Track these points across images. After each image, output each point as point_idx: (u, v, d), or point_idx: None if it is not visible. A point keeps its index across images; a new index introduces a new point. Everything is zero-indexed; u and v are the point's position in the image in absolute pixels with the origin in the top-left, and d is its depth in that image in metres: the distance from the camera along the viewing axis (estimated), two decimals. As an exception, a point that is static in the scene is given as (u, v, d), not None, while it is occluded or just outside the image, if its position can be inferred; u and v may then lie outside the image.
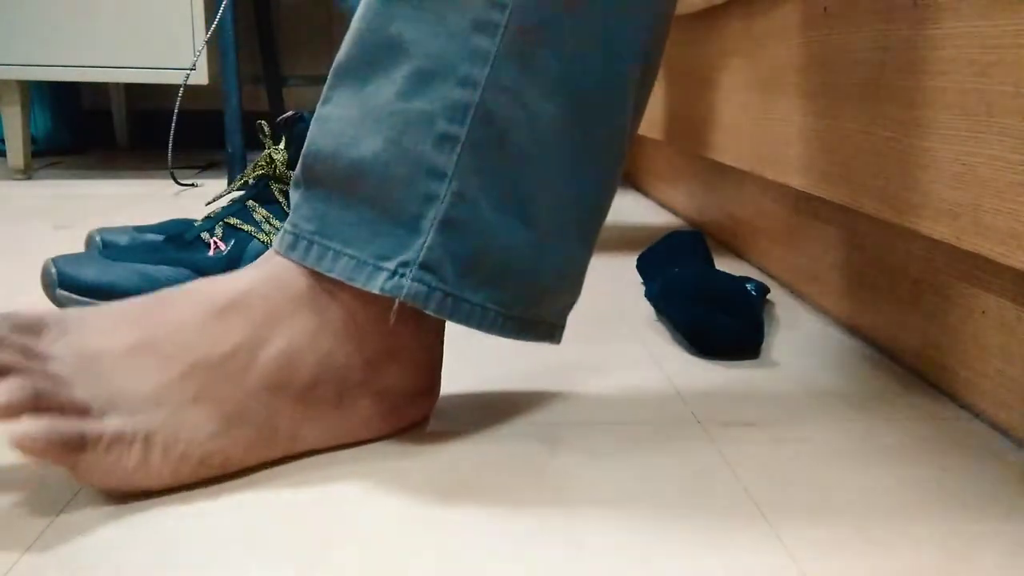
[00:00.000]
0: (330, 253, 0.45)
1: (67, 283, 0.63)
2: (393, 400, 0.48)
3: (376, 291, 0.44)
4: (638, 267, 0.82)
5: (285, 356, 0.44)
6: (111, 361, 0.41)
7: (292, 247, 0.46)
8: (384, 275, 0.44)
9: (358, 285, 0.44)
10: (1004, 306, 0.51)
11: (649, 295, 0.72)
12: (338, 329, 0.45)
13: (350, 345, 0.46)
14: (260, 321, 0.44)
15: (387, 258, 0.44)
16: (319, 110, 0.47)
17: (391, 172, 0.44)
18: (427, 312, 0.45)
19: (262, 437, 0.44)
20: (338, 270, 0.44)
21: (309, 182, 0.46)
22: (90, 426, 0.39)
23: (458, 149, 0.44)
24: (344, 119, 0.45)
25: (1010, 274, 0.51)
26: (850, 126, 0.63)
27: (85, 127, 2.26)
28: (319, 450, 0.46)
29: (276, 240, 0.47)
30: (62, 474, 0.43)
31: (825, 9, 0.68)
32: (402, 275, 0.44)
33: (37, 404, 0.38)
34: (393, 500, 0.42)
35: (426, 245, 0.44)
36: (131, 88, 2.26)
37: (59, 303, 0.64)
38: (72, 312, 0.43)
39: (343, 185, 0.45)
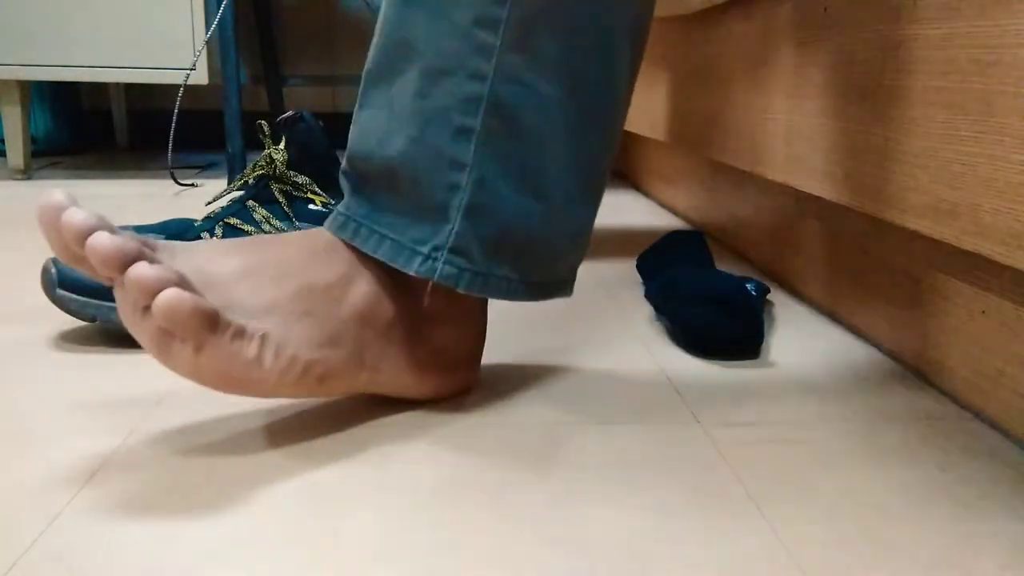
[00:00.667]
0: (375, 236, 0.50)
1: (67, 283, 0.63)
2: (446, 361, 0.53)
3: (412, 273, 0.49)
4: (638, 267, 0.82)
5: (370, 295, 0.49)
6: (225, 278, 0.45)
7: (342, 228, 0.51)
8: (419, 259, 0.49)
9: (398, 266, 0.49)
10: (1004, 306, 0.51)
11: (649, 295, 0.72)
12: (394, 288, 0.51)
13: (410, 301, 0.51)
14: (351, 263, 0.50)
15: (422, 243, 0.49)
16: (356, 114, 0.52)
17: (417, 167, 0.49)
18: (458, 291, 0.49)
19: (352, 362, 0.48)
20: (381, 252, 0.49)
21: (353, 177, 0.52)
22: (222, 312, 0.43)
23: (474, 139, 0.48)
24: (375, 121, 0.50)
25: (1010, 274, 0.51)
26: (850, 126, 0.63)
27: (85, 127, 2.26)
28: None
29: (327, 221, 0.52)
30: (62, 474, 0.43)
31: (825, 9, 0.68)
32: (435, 259, 0.49)
33: (181, 283, 0.42)
34: (394, 498, 0.42)
35: (454, 231, 0.49)
36: (131, 88, 2.26)
37: (59, 303, 0.64)
38: (176, 243, 0.47)
39: (380, 180, 0.50)
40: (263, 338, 0.44)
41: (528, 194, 0.50)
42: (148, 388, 0.55)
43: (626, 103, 0.55)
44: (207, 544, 0.38)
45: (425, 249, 0.49)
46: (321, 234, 0.51)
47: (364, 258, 0.50)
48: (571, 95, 0.50)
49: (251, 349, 0.44)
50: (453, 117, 0.48)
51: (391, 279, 0.50)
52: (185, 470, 0.44)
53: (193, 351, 0.42)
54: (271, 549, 0.37)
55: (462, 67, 0.47)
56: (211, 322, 0.42)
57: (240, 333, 0.43)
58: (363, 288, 0.49)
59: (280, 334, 0.45)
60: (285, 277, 0.47)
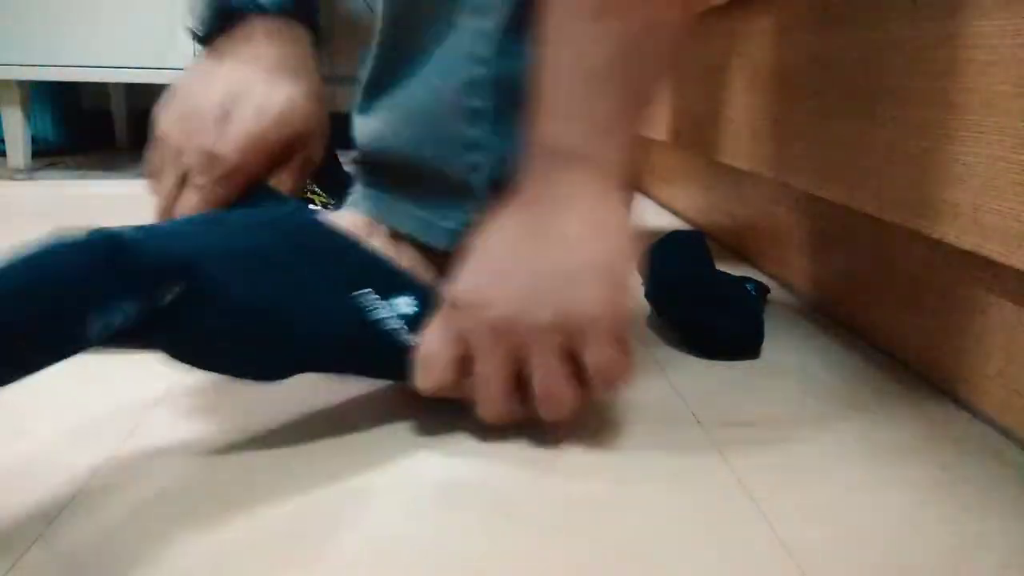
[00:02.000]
0: (397, 215, 0.53)
1: (67, 283, 0.63)
2: None
3: (442, 248, 0.52)
4: (638, 267, 0.82)
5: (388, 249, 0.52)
6: None
7: (355, 205, 0.54)
8: (447, 234, 0.52)
9: (425, 241, 0.52)
10: (1004, 306, 0.51)
11: (649, 295, 0.72)
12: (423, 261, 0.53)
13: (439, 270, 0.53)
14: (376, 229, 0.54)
15: (448, 219, 0.52)
16: (358, 119, 0.54)
17: (437, 157, 0.51)
18: None
19: None
20: (410, 227, 0.53)
21: (371, 172, 0.54)
22: None
23: (489, 119, 0.50)
24: (384, 122, 0.52)
25: (1010, 274, 0.51)
26: (850, 126, 0.63)
27: (85, 127, 2.26)
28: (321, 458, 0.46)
29: (349, 201, 0.55)
30: (61, 474, 0.43)
31: (826, 9, 0.68)
32: (462, 234, 0.51)
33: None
34: (395, 500, 0.42)
35: (482, 208, 0.50)
36: (131, 88, 2.25)
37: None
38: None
39: (400, 175, 0.52)
40: None
41: None
42: (148, 388, 0.55)
43: None
44: (207, 545, 0.38)
45: (451, 224, 0.51)
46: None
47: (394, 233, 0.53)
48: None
49: None
50: (463, 102, 0.50)
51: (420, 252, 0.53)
52: (185, 471, 0.44)
53: None
54: (271, 550, 0.37)
55: (466, 56, 0.49)
56: None
57: None
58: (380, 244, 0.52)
59: None
60: None
